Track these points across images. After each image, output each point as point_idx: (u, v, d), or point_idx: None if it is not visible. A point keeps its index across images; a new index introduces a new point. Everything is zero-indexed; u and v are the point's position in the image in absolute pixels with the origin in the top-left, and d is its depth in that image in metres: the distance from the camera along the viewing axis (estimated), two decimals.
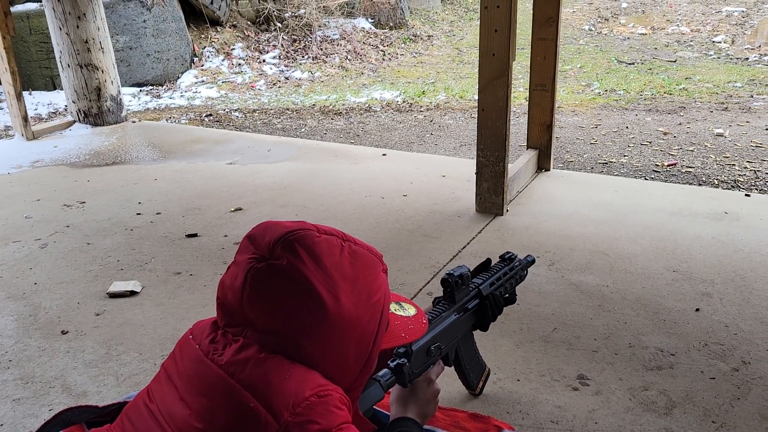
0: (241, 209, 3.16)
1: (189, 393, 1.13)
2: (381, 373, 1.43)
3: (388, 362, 1.45)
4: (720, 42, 8.39)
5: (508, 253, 1.84)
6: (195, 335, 1.22)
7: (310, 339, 1.11)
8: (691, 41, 8.50)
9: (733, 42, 8.41)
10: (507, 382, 1.86)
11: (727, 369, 1.88)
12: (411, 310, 1.42)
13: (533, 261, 1.91)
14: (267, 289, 1.11)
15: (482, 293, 1.69)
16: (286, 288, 1.11)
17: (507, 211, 3.02)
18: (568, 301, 2.27)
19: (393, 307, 1.39)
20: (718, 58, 7.65)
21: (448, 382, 1.82)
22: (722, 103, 5.58)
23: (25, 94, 6.03)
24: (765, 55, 7.61)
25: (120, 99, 4.73)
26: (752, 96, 5.74)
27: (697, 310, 2.18)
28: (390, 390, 1.50)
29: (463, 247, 2.70)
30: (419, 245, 2.74)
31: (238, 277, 1.15)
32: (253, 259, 1.14)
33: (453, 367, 1.71)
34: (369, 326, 1.17)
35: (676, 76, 6.66)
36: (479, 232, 2.83)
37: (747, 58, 7.50)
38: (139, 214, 3.15)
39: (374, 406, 1.65)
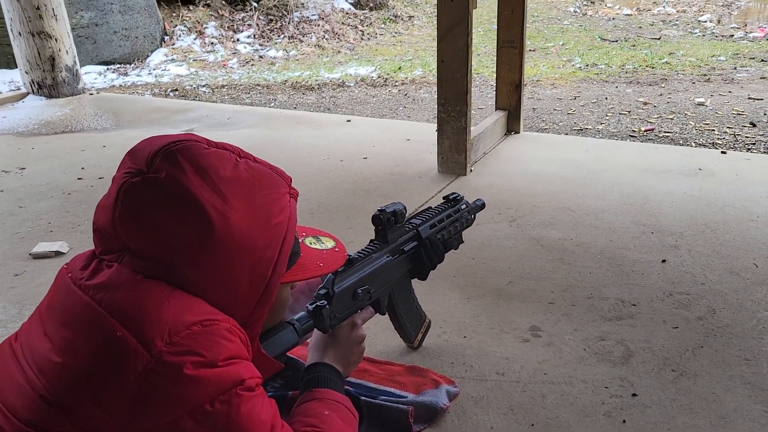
0: None
1: (52, 325, 0.97)
2: (297, 316, 1.27)
3: (307, 305, 1.29)
4: (706, 21, 8.25)
5: (453, 194, 1.67)
6: (70, 266, 1.05)
7: (193, 262, 0.94)
8: (677, 21, 8.36)
9: (719, 21, 8.26)
10: (453, 335, 1.69)
11: (692, 318, 1.72)
12: (329, 243, 1.25)
13: (483, 205, 1.74)
14: (141, 207, 0.94)
15: (421, 235, 1.52)
16: (164, 204, 0.94)
17: (471, 171, 2.85)
18: (526, 255, 2.10)
19: (309, 240, 1.23)
20: (703, 35, 7.50)
21: (387, 336, 1.66)
22: (705, 75, 5.43)
23: None
24: (751, 32, 7.47)
25: (76, 70, 4.53)
26: (735, 68, 5.59)
27: (664, 261, 2.02)
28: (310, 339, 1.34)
29: (421, 206, 2.53)
30: (374, 205, 2.56)
31: (111, 194, 0.98)
32: (128, 173, 0.97)
33: (388, 316, 1.55)
34: (266, 252, 1.00)
35: (659, 51, 6.50)
36: (439, 192, 2.66)
37: (732, 35, 7.36)
38: (80, 179, 2.97)
39: (294, 356, 1.49)
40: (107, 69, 6.22)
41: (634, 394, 1.43)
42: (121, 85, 5.82)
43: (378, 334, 1.67)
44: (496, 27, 3.18)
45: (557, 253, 2.10)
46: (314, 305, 1.26)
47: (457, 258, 2.02)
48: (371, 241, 1.48)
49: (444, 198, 1.65)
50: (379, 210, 1.44)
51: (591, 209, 2.42)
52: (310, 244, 1.21)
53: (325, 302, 1.27)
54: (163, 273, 0.94)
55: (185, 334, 0.89)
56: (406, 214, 1.51)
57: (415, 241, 1.51)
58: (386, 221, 1.44)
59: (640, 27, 8.04)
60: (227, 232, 0.95)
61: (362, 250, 1.42)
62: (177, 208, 0.93)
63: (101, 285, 0.94)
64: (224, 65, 6.45)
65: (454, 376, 1.52)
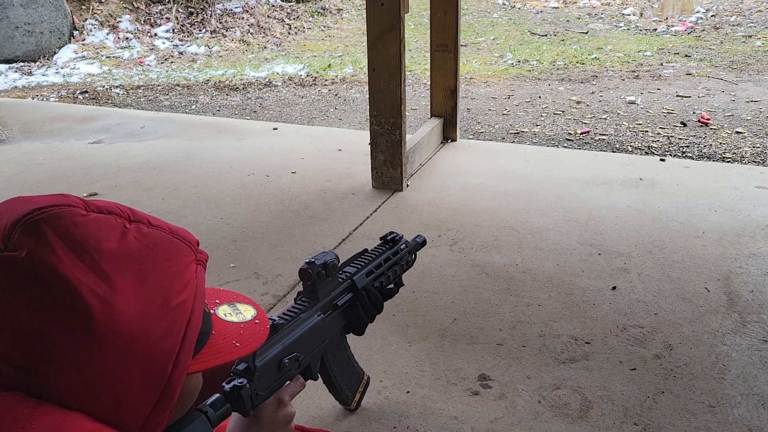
0: (96, 194, 2.66)
1: None
2: (210, 400, 1.04)
3: (223, 384, 1.07)
4: (629, 15, 8.41)
5: (391, 233, 1.49)
6: None
7: (66, 367, 0.71)
8: (602, 14, 8.49)
9: (641, 15, 8.45)
10: (394, 390, 1.51)
11: (649, 356, 1.60)
12: (249, 313, 1.03)
13: (424, 242, 1.56)
14: None
15: (356, 286, 1.33)
16: (25, 292, 0.70)
17: (407, 186, 2.68)
18: (470, 286, 1.95)
19: (223, 310, 1.00)
20: (628, 29, 7.63)
21: (321, 396, 1.46)
22: (633, 71, 5.47)
23: None
24: (672, 26, 7.66)
25: None
26: (662, 64, 5.67)
27: (614, 288, 1.91)
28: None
29: (355, 229, 2.34)
30: (304, 228, 2.35)
31: None
32: None
33: (321, 379, 1.35)
34: (164, 342, 0.78)
35: (588, 46, 6.54)
36: (374, 211, 2.47)
37: (655, 29, 7.51)
38: None
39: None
40: (9, 68, 5.67)
41: None
42: (24, 86, 5.31)
43: (310, 393, 1.47)
44: (427, 20, 3.00)
45: (503, 282, 1.96)
46: (231, 385, 1.05)
47: None
48: (299, 295, 1.28)
49: (381, 239, 1.47)
50: (307, 263, 1.25)
51: (535, 228, 2.29)
52: (225, 315, 0.99)
53: (245, 380, 1.06)
54: (25, 382, 0.71)
55: None
56: (338, 264, 1.32)
57: (349, 293, 1.32)
58: (315, 275, 1.24)
59: (568, 20, 8.10)
60: (111, 323, 0.73)
61: (288, 310, 1.22)
62: (42, 297, 0.71)
63: None
64: (141, 62, 6.02)
65: None
